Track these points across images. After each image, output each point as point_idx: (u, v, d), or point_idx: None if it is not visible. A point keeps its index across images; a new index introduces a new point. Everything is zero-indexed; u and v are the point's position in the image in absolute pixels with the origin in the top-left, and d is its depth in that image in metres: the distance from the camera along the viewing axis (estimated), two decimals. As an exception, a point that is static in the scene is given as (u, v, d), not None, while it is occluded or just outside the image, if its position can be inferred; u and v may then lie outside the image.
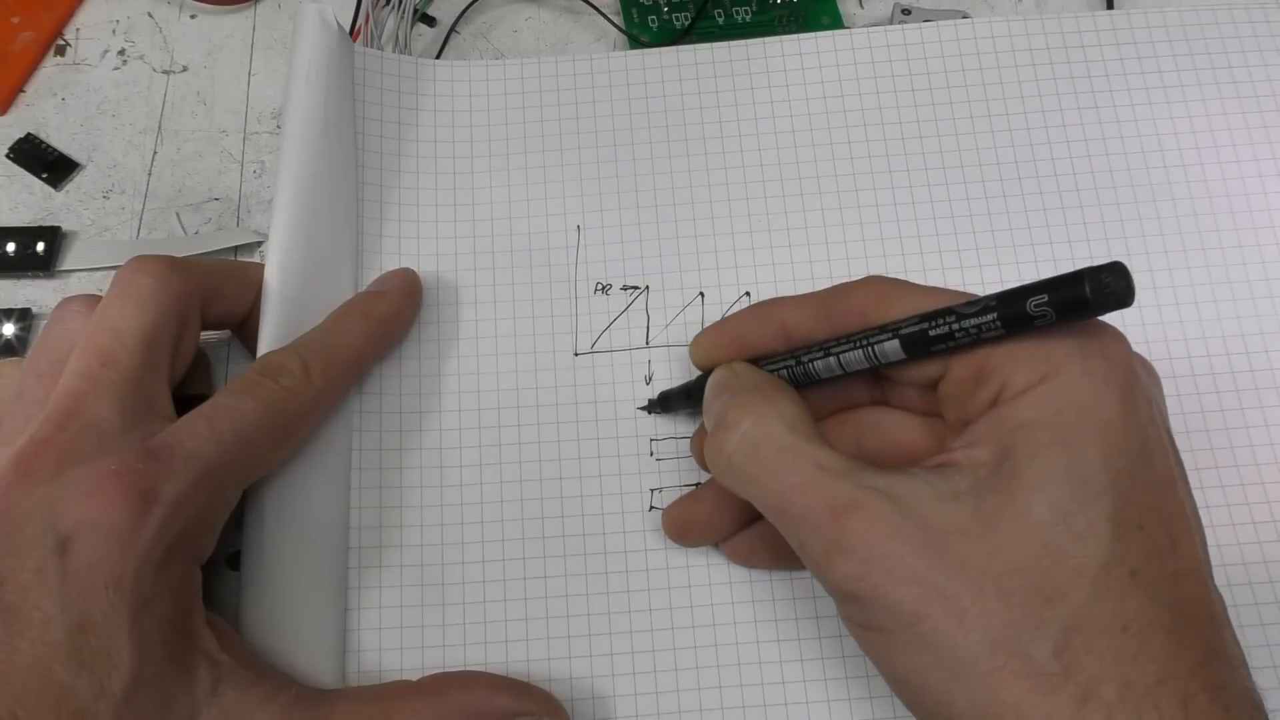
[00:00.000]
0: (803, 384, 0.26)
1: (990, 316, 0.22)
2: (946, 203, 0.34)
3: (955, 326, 0.22)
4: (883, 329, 0.24)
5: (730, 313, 0.32)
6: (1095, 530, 0.20)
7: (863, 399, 0.28)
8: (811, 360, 0.26)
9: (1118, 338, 0.22)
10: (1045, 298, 0.21)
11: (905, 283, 0.25)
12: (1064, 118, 0.35)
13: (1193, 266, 0.33)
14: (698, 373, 0.29)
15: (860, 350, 0.24)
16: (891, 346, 0.24)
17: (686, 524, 0.29)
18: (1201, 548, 0.22)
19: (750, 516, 0.28)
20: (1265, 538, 0.30)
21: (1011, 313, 0.21)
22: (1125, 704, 0.19)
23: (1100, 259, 0.33)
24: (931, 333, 0.23)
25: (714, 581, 0.29)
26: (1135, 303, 0.21)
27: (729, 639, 0.29)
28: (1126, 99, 0.35)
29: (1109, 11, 0.37)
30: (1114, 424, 0.21)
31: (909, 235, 0.33)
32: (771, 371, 0.27)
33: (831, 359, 0.25)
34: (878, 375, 0.27)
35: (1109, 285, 0.20)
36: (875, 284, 0.26)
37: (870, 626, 0.22)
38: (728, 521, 0.29)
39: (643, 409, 0.31)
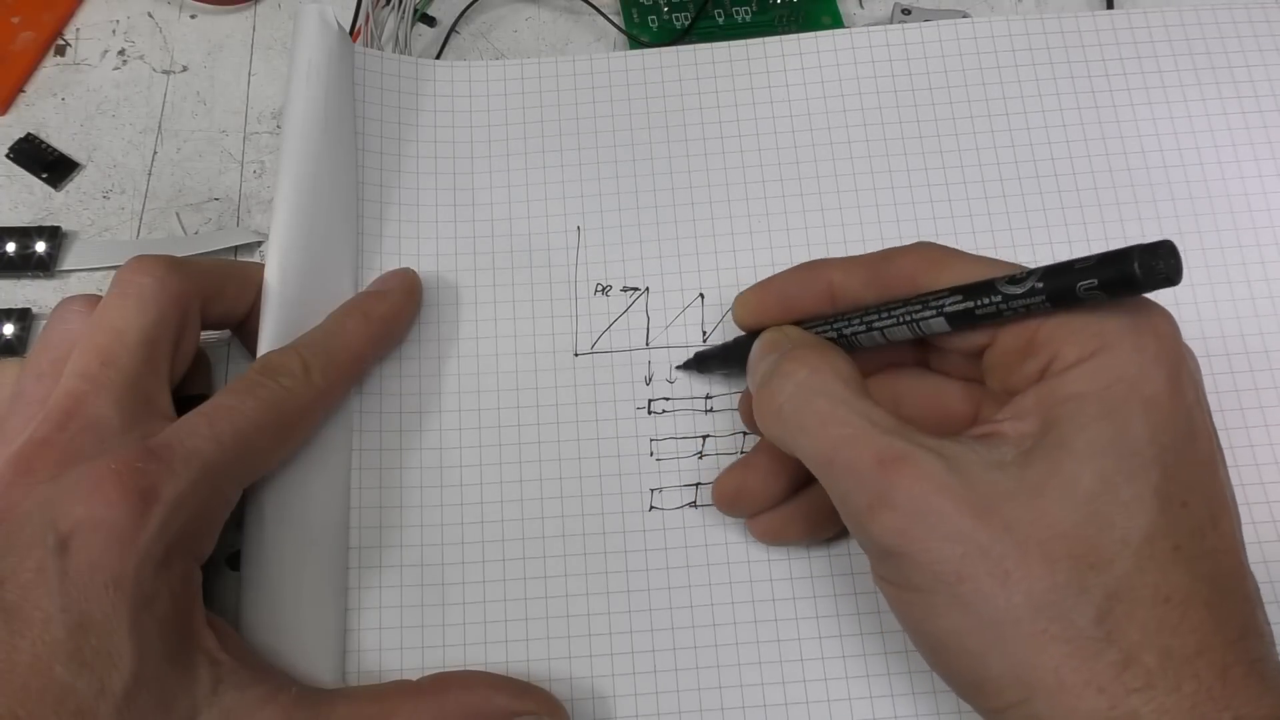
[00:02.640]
0: (848, 349, 0.26)
1: (1039, 298, 0.22)
2: (946, 202, 0.34)
3: (1002, 305, 0.22)
4: (926, 303, 0.24)
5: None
6: (1141, 502, 0.21)
7: (906, 360, 0.27)
8: (854, 333, 0.25)
9: (1168, 317, 0.23)
10: (1095, 281, 0.21)
11: (956, 251, 0.25)
12: (1064, 118, 0.35)
13: (1192, 266, 0.33)
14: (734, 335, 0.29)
15: (905, 326, 0.24)
16: (937, 322, 0.24)
17: (739, 491, 0.29)
18: (1238, 528, 0.22)
19: (798, 481, 0.28)
20: (1265, 538, 0.30)
21: (1059, 289, 0.21)
22: (1165, 671, 0.20)
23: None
24: (978, 311, 0.23)
25: (714, 582, 0.29)
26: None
27: (729, 639, 0.29)
28: (1126, 99, 0.35)
29: (1109, 11, 0.37)
30: (1162, 401, 0.21)
31: (909, 235, 0.33)
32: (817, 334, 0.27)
33: (876, 332, 0.25)
34: (922, 340, 0.27)
35: (1159, 266, 0.20)
36: (926, 250, 0.26)
37: (907, 585, 0.22)
38: (777, 489, 0.28)
39: (680, 368, 0.32)
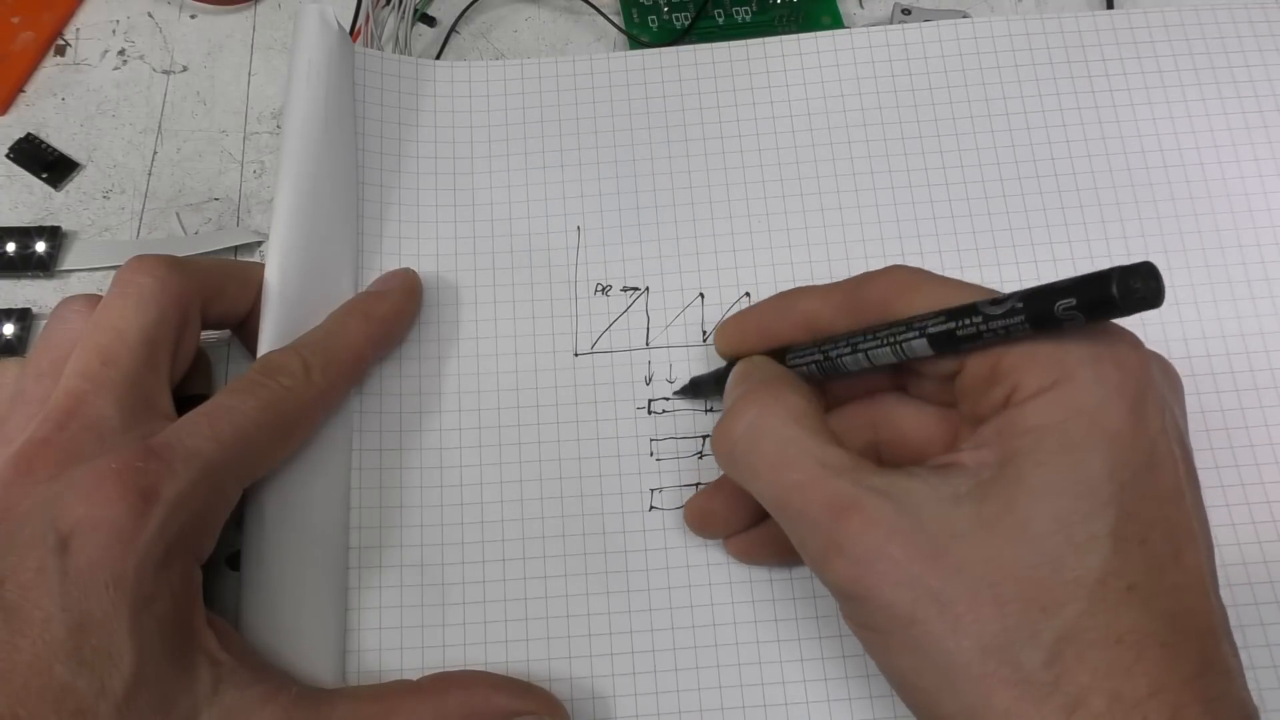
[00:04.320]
0: (826, 376, 0.26)
1: (1018, 318, 0.22)
2: (946, 202, 0.34)
3: (983, 327, 0.22)
4: (909, 326, 0.24)
5: (732, 313, 0.32)
6: (1095, 543, 0.20)
7: (883, 385, 0.27)
8: (840, 355, 0.26)
9: (1134, 344, 0.22)
10: (1073, 301, 0.21)
11: (927, 273, 0.25)
12: (1064, 118, 0.35)
13: (1192, 266, 0.33)
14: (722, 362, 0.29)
15: (888, 347, 0.24)
16: (919, 344, 0.24)
17: (706, 514, 0.29)
18: (1206, 560, 0.22)
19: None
20: (1265, 537, 0.30)
21: (1038, 312, 0.21)
22: (1114, 714, 0.19)
23: (1100, 258, 0.33)
24: (959, 333, 0.23)
25: (714, 581, 0.29)
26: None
27: (729, 639, 0.29)
28: (1126, 99, 0.35)
29: (1109, 11, 0.37)
30: (1122, 435, 0.21)
31: (909, 235, 0.33)
32: (799, 363, 0.27)
33: (860, 355, 0.25)
34: (899, 366, 0.27)
35: (1138, 288, 0.20)
36: (897, 274, 0.25)
37: (867, 625, 0.22)
38: (745, 513, 0.29)
39: (677, 394, 0.31)
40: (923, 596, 0.21)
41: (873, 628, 0.22)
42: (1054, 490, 0.21)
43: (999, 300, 0.22)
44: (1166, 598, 0.21)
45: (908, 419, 0.27)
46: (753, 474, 0.24)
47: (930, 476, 0.22)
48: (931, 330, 0.23)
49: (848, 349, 0.25)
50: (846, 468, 0.23)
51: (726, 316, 0.29)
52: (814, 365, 0.26)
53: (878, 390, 0.27)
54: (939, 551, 0.21)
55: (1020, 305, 0.22)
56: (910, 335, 0.24)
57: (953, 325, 0.23)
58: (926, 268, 0.33)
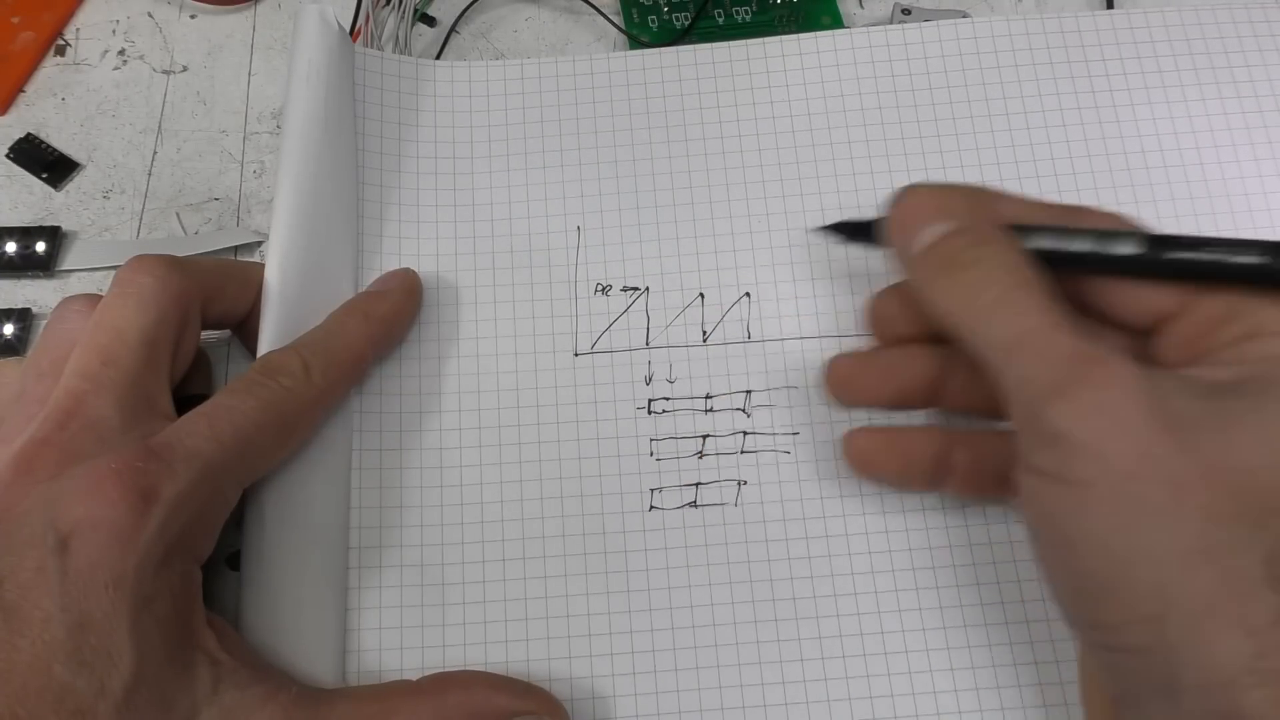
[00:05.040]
0: (1086, 267, 0.25)
1: None
2: (946, 203, 0.34)
3: None
4: (1231, 245, 0.23)
5: (732, 313, 0.32)
6: None
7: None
8: (1126, 255, 0.24)
9: None
10: None
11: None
12: (1064, 118, 0.35)
13: (1193, 266, 0.33)
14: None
15: (1212, 255, 0.23)
16: (1247, 263, 0.22)
17: (851, 380, 0.28)
18: None
19: (914, 397, 0.28)
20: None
21: None
22: None
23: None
24: None
25: (714, 582, 0.29)
26: None
27: (729, 639, 0.29)
28: (1126, 99, 0.35)
29: (1109, 11, 0.37)
30: None
31: (909, 235, 0.33)
32: (1061, 244, 0.25)
33: (1182, 253, 0.23)
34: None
35: None
36: (1120, 218, 0.25)
37: (1065, 476, 0.21)
38: (894, 388, 0.28)
39: (817, 229, 0.30)
40: (1149, 459, 0.20)
41: (1073, 479, 0.21)
42: None
43: None
44: None
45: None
46: (991, 311, 0.23)
47: (1171, 375, 0.22)
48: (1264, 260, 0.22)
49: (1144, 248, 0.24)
50: (1091, 335, 0.22)
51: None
52: (1088, 251, 0.24)
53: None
54: (1177, 427, 0.20)
55: None
56: (1248, 255, 0.22)
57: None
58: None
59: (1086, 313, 0.25)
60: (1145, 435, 0.20)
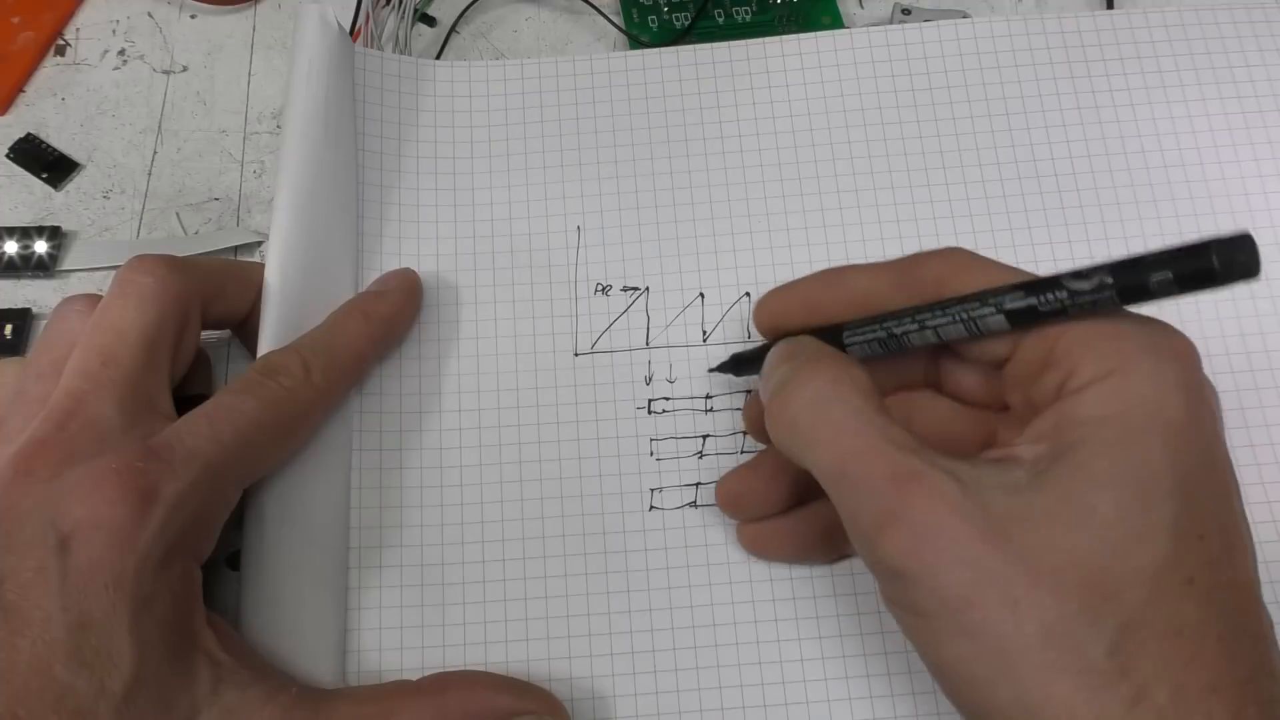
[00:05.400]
0: (887, 353, 0.26)
1: (1107, 292, 0.21)
2: (946, 203, 0.34)
3: (1068, 301, 0.22)
4: (983, 301, 0.23)
5: (732, 313, 0.32)
6: (1156, 534, 0.20)
7: (917, 381, 0.27)
8: (905, 332, 0.25)
9: (1189, 343, 0.22)
10: (1169, 274, 0.20)
11: (984, 257, 0.25)
12: (1064, 118, 0.35)
13: (1193, 266, 0.33)
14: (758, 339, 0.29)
15: (960, 324, 0.23)
16: (996, 320, 0.23)
17: (739, 495, 0.29)
18: (1254, 563, 0.21)
19: (801, 493, 0.28)
20: (1265, 538, 0.30)
21: (1130, 286, 0.21)
22: (1178, 708, 0.19)
23: (1100, 259, 0.33)
24: (1041, 308, 0.22)
25: (714, 581, 0.29)
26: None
27: (729, 639, 0.29)
28: (1126, 99, 0.35)
29: (1109, 11, 0.37)
30: (1183, 428, 0.21)
31: (909, 235, 0.33)
32: (858, 340, 0.26)
33: (929, 331, 0.24)
34: (938, 356, 0.26)
35: (1240, 261, 0.19)
36: (956, 255, 0.25)
37: (914, 609, 0.22)
38: (779, 496, 0.28)
39: (713, 370, 0.31)
40: (982, 578, 0.20)
41: (920, 612, 0.21)
42: (1116, 479, 0.20)
43: (1083, 274, 0.21)
44: (1223, 594, 0.20)
45: (942, 416, 0.26)
46: (815, 442, 0.23)
47: (989, 467, 0.22)
48: (1010, 306, 0.22)
49: (914, 325, 0.24)
50: (911, 446, 0.22)
51: (764, 294, 0.28)
52: (875, 343, 0.25)
53: (911, 388, 0.27)
54: (1001, 534, 0.20)
55: (1109, 280, 0.21)
56: (985, 311, 0.23)
57: (1033, 300, 0.22)
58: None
59: (952, 356, 0.25)
60: (973, 554, 0.20)
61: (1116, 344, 0.21)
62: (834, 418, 0.23)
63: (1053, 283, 0.22)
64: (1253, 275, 0.20)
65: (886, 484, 0.21)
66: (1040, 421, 0.22)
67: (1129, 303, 0.21)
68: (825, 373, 0.24)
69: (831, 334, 0.26)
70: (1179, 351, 0.22)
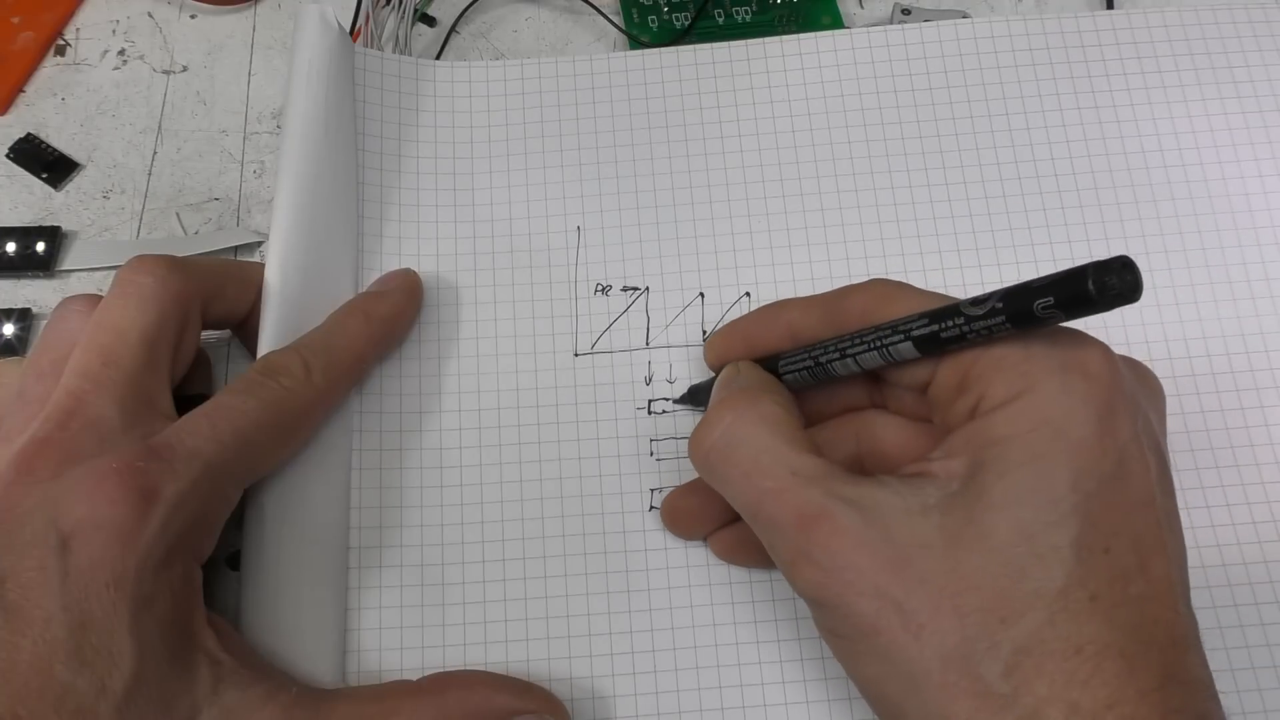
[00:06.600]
0: (817, 381, 0.27)
1: (998, 318, 0.22)
2: (946, 203, 0.34)
3: (965, 328, 0.22)
4: (895, 329, 0.24)
5: (731, 313, 0.33)
6: (1057, 553, 0.21)
7: (863, 402, 0.28)
8: (829, 360, 0.26)
9: (1102, 352, 0.22)
10: (1051, 299, 0.21)
11: (908, 286, 0.26)
12: (1064, 118, 0.35)
13: (1193, 266, 0.33)
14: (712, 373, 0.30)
15: (874, 351, 0.25)
16: (905, 347, 0.24)
17: (679, 512, 0.29)
18: (1176, 569, 0.22)
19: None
20: (1265, 537, 0.30)
21: (1018, 311, 0.21)
22: None
23: (1100, 258, 0.33)
24: (943, 334, 0.23)
25: (714, 581, 0.29)
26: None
27: (729, 639, 0.29)
28: (1126, 99, 0.35)
29: (1109, 11, 0.37)
30: (1088, 444, 0.21)
31: (909, 235, 0.33)
32: (790, 369, 0.27)
33: (849, 359, 0.25)
34: (877, 379, 0.27)
35: (1113, 284, 0.20)
36: (877, 286, 0.26)
37: (835, 633, 0.23)
38: (716, 513, 0.29)
39: (677, 402, 0.32)
40: (887, 606, 0.21)
41: (840, 635, 0.23)
42: (1016, 501, 0.21)
43: (979, 300, 0.22)
44: (1130, 608, 0.21)
45: (887, 432, 0.27)
46: (725, 480, 0.25)
47: (900, 486, 0.22)
48: (916, 333, 0.23)
49: (836, 354, 0.26)
50: (818, 476, 0.23)
51: (718, 327, 0.29)
52: (804, 371, 0.27)
53: (860, 406, 0.28)
54: (903, 562, 0.21)
55: (1000, 305, 0.22)
56: (895, 338, 0.24)
57: (936, 327, 0.23)
58: (926, 267, 0.33)
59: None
60: (877, 585, 0.21)
61: (1025, 366, 0.22)
62: (740, 457, 0.24)
63: (953, 311, 0.23)
64: (1129, 299, 0.20)
65: (794, 524, 0.23)
66: (953, 439, 0.23)
67: (1021, 328, 0.22)
68: (734, 407, 0.25)
69: (770, 363, 0.28)
70: (1088, 365, 0.22)
